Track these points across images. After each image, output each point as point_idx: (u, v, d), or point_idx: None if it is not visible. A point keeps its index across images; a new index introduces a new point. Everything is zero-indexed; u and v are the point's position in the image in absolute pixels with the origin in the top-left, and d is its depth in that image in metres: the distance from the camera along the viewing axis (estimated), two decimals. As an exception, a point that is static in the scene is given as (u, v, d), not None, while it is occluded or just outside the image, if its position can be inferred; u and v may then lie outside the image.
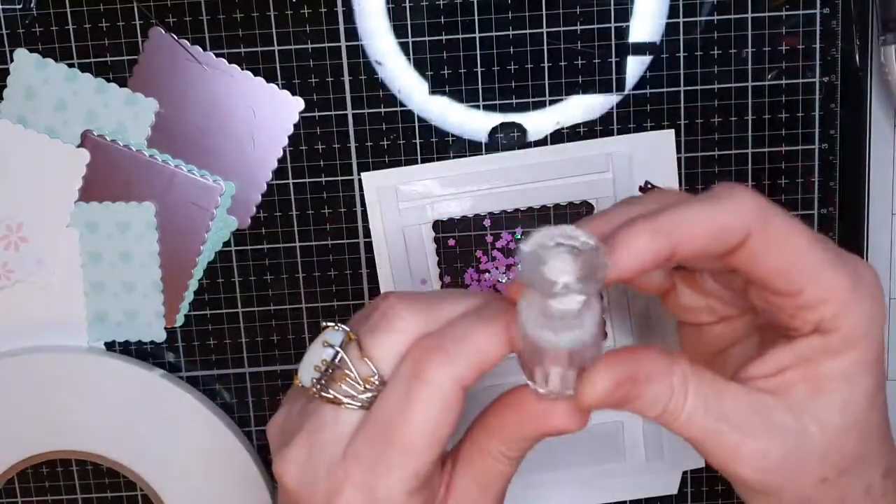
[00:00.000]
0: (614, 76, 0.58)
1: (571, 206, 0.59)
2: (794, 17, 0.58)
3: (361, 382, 0.38)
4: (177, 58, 0.57)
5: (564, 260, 0.33)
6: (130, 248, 0.59)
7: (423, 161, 0.59)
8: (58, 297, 0.60)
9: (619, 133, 0.59)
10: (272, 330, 0.61)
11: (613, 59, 0.58)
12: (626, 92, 0.58)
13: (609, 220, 0.39)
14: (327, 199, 0.60)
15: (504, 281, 0.60)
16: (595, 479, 0.63)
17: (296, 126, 0.59)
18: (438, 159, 0.59)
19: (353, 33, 0.58)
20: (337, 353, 0.38)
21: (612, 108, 0.59)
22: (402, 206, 0.59)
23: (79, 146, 0.58)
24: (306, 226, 0.60)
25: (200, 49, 0.57)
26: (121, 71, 0.58)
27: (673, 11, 0.57)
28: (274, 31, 0.57)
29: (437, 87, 0.58)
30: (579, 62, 0.58)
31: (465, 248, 0.60)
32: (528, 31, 0.58)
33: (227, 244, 0.60)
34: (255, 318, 0.61)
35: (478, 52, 0.58)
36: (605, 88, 0.58)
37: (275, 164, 0.59)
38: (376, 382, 0.38)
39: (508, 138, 0.59)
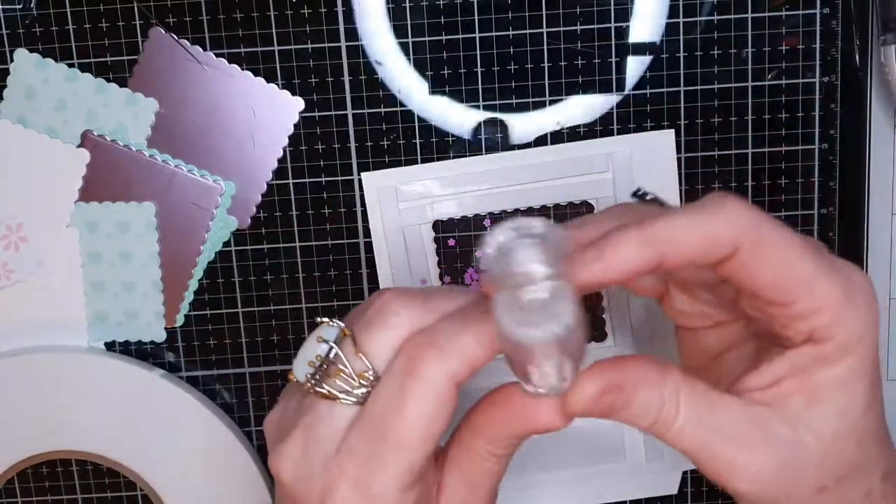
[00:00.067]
0: (614, 76, 0.58)
1: (571, 206, 0.59)
2: (794, 17, 0.58)
3: (356, 378, 0.38)
4: (177, 58, 0.57)
5: (525, 249, 0.33)
6: (130, 248, 0.59)
7: (423, 161, 0.59)
8: (58, 297, 0.60)
9: (619, 133, 0.59)
10: (272, 330, 0.61)
11: (613, 59, 0.58)
12: (626, 92, 0.58)
13: (600, 226, 0.39)
14: (327, 199, 0.60)
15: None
16: (595, 479, 0.63)
17: (296, 126, 0.59)
18: (438, 159, 0.59)
19: (353, 33, 0.58)
20: (331, 348, 0.39)
21: (612, 108, 0.59)
22: (402, 206, 0.59)
23: (79, 146, 0.58)
24: (306, 226, 0.60)
25: (200, 49, 0.57)
26: (121, 71, 0.58)
27: (673, 11, 0.57)
28: (274, 31, 0.57)
29: (437, 87, 0.58)
30: (579, 62, 0.58)
31: (465, 248, 0.60)
32: (528, 31, 0.58)
33: (227, 244, 0.60)
34: (255, 318, 0.61)
35: (478, 52, 0.58)
36: (605, 88, 0.58)
37: (275, 164, 0.59)
38: (371, 378, 0.38)
39: (491, 136, 0.59)
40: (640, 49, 0.58)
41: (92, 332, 0.61)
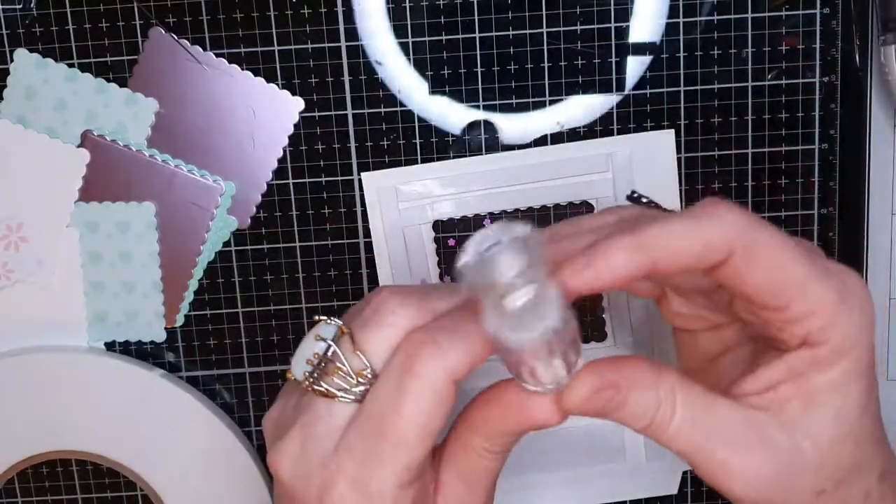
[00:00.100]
0: (614, 76, 0.58)
1: (571, 206, 0.59)
2: (794, 17, 0.58)
3: (354, 376, 0.38)
4: (177, 58, 0.57)
5: (502, 258, 0.32)
6: (130, 248, 0.59)
7: (423, 161, 0.59)
8: (58, 297, 0.60)
9: (619, 133, 0.59)
10: (272, 330, 0.61)
11: (613, 59, 0.58)
12: (626, 92, 0.58)
13: (592, 232, 0.39)
14: (327, 199, 0.60)
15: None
16: (595, 479, 0.62)
17: (296, 126, 0.59)
18: (438, 159, 0.59)
19: (353, 33, 0.58)
20: (329, 346, 0.39)
21: (612, 108, 0.59)
22: (402, 206, 0.59)
23: (79, 146, 0.58)
24: (306, 226, 0.60)
25: (200, 49, 0.57)
26: (121, 71, 0.58)
27: (673, 11, 0.57)
28: (274, 31, 0.57)
29: (437, 87, 0.58)
30: (579, 62, 0.58)
31: (464, 248, 0.60)
32: (528, 31, 0.58)
33: (227, 244, 0.60)
34: (255, 318, 0.61)
35: (478, 52, 0.58)
36: (605, 88, 0.58)
37: (275, 164, 0.59)
38: (369, 376, 0.38)
39: (491, 136, 0.59)
40: (640, 49, 0.58)
41: (92, 332, 0.61)
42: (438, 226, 0.60)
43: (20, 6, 0.57)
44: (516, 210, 0.59)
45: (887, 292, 0.61)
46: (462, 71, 0.58)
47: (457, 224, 0.60)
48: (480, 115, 0.58)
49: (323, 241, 0.60)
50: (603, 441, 0.62)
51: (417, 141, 0.59)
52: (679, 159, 0.59)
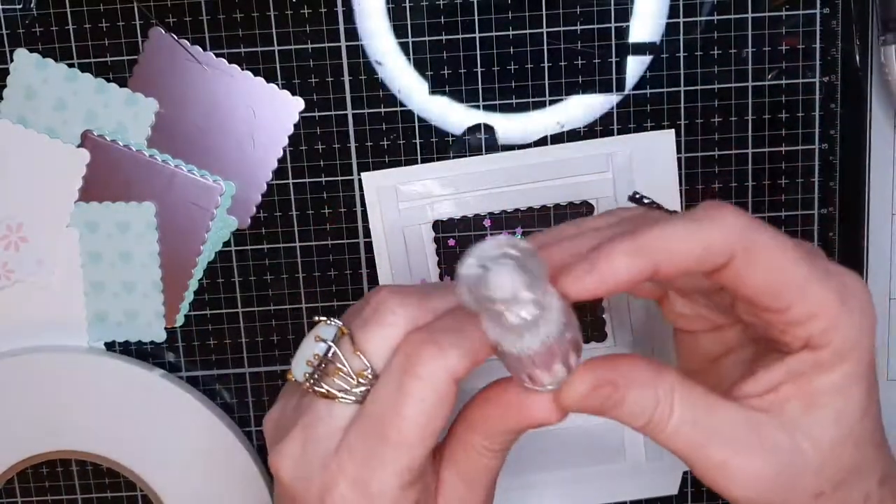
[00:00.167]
0: (614, 76, 0.58)
1: (571, 206, 0.59)
2: (794, 17, 0.58)
3: (355, 376, 0.38)
4: (177, 58, 0.57)
5: (502, 275, 0.32)
6: (130, 248, 0.59)
7: (423, 161, 0.59)
8: (58, 297, 0.60)
9: (619, 133, 0.59)
10: (272, 330, 0.61)
11: (613, 59, 0.58)
12: (626, 92, 0.58)
13: (595, 232, 0.39)
14: (327, 199, 0.60)
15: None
16: (595, 479, 0.62)
17: (296, 126, 0.59)
18: (438, 159, 0.59)
19: (353, 33, 0.58)
20: (329, 347, 0.39)
21: (612, 108, 0.59)
22: (402, 206, 0.59)
23: (79, 146, 0.58)
24: (306, 226, 0.60)
25: (200, 49, 0.57)
26: (121, 71, 0.58)
27: (673, 11, 0.57)
28: (274, 31, 0.57)
29: (437, 87, 0.58)
30: (579, 62, 0.58)
31: (465, 248, 0.59)
32: (528, 31, 0.58)
33: (227, 244, 0.60)
34: (255, 318, 0.61)
35: (478, 52, 0.58)
36: (605, 88, 0.58)
37: (275, 164, 0.59)
38: (369, 376, 0.38)
39: (491, 136, 0.59)
40: (640, 49, 0.58)
41: (92, 332, 0.61)
42: (438, 226, 0.60)
43: (20, 6, 0.57)
44: (516, 210, 0.59)
45: (887, 292, 0.61)
46: (462, 71, 0.58)
47: (457, 224, 0.60)
48: (480, 115, 0.58)
49: (323, 241, 0.60)
50: (602, 441, 0.62)
51: (417, 141, 0.59)
52: (679, 159, 0.59)
